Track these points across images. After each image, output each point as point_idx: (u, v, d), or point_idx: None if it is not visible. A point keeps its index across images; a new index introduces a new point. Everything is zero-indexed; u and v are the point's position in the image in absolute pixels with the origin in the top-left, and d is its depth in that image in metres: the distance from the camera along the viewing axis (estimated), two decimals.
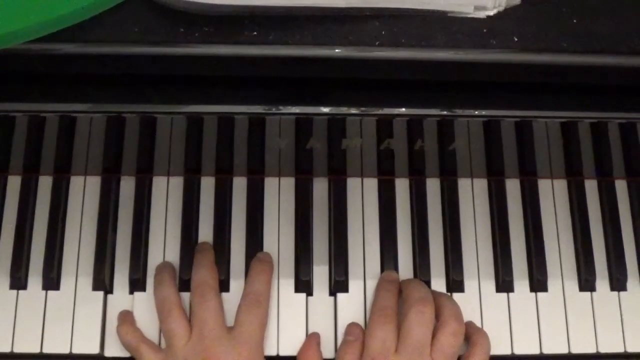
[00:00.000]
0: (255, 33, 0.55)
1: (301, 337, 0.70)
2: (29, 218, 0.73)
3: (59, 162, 0.73)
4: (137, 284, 0.71)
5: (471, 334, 0.68)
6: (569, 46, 0.56)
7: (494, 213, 0.75)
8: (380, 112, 0.63)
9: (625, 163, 0.75)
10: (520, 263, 0.74)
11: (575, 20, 0.57)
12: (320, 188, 0.75)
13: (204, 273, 0.69)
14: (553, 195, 0.76)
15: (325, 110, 0.62)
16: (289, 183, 0.75)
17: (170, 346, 0.66)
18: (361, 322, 0.71)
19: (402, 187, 0.76)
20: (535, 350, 0.71)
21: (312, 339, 0.70)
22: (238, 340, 0.66)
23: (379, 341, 0.65)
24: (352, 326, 0.70)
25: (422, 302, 0.66)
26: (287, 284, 0.72)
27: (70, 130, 0.69)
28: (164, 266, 0.71)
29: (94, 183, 0.74)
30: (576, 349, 0.71)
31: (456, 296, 0.72)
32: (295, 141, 0.70)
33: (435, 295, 0.70)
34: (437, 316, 0.67)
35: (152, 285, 0.71)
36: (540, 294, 0.73)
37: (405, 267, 0.73)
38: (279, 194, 0.75)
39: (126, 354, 0.70)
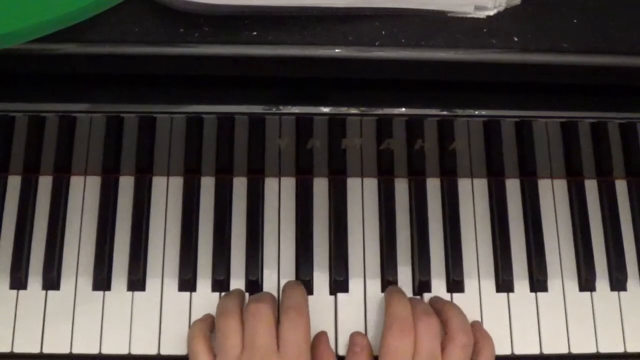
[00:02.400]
0: (255, 33, 0.55)
1: None
2: (29, 218, 0.73)
3: (59, 162, 0.73)
4: (136, 284, 0.71)
5: (477, 341, 0.68)
6: (569, 46, 0.56)
7: (494, 213, 0.75)
8: (380, 112, 0.63)
9: (625, 163, 0.75)
10: (520, 263, 0.74)
11: (575, 20, 0.57)
12: (320, 188, 0.75)
13: (264, 294, 0.69)
14: (553, 195, 0.76)
15: (325, 110, 0.62)
16: (289, 183, 0.75)
17: (224, 355, 0.64)
18: (361, 322, 0.71)
19: (402, 187, 0.76)
20: (535, 350, 0.71)
21: (323, 335, 0.69)
22: (286, 356, 0.64)
23: (397, 356, 0.64)
24: (356, 336, 0.69)
25: (428, 315, 0.66)
26: None
27: (70, 130, 0.69)
28: (239, 291, 0.71)
29: (94, 183, 0.74)
30: (576, 349, 0.71)
31: (456, 296, 0.72)
32: (295, 141, 0.70)
33: (441, 305, 0.70)
34: (445, 329, 0.67)
35: (152, 286, 0.71)
36: (540, 294, 0.73)
37: (405, 267, 0.73)
38: (279, 194, 0.75)
39: (124, 352, 0.70)
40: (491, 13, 0.56)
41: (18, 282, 0.71)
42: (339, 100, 0.62)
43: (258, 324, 0.64)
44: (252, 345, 0.63)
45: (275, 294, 0.72)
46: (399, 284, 0.72)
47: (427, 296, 0.72)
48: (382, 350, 0.65)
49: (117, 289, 0.72)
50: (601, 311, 0.72)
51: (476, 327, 0.70)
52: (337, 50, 0.56)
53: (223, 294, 0.71)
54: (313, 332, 0.70)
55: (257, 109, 0.62)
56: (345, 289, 0.72)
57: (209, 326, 0.68)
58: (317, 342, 0.69)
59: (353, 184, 0.75)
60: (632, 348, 0.71)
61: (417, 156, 0.73)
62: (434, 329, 0.65)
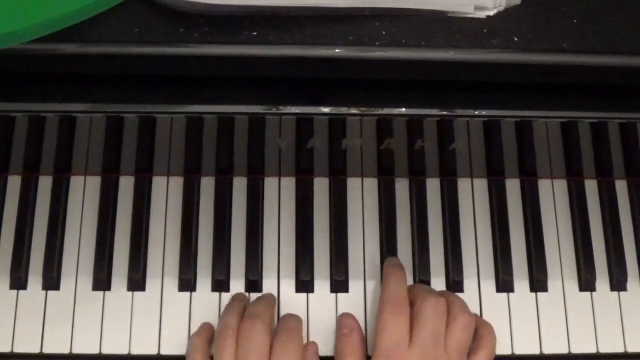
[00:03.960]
0: (255, 33, 0.55)
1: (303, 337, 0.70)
2: (29, 218, 0.73)
3: (59, 162, 0.73)
4: (136, 284, 0.71)
5: (477, 328, 0.68)
6: (569, 46, 0.56)
7: (494, 213, 0.75)
8: (380, 112, 0.63)
9: (625, 163, 0.75)
10: (520, 263, 0.74)
11: (575, 20, 0.57)
12: (320, 188, 0.75)
13: (261, 306, 0.68)
14: (553, 195, 0.76)
15: (325, 110, 0.62)
16: (289, 183, 0.75)
17: None
18: (361, 322, 0.71)
19: (402, 187, 0.76)
20: (535, 350, 0.71)
21: (311, 346, 0.69)
22: None
23: (392, 334, 0.64)
24: (344, 317, 0.69)
25: (435, 296, 0.66)
26: (287, 284, 0.72)
27: (70, 130, 0.69)
28: (241, 297, 0.71)
29: (94, 183, 0.74)
30: (576, 349, 0.71)
31: None
32: (295, 141, 0.70)
33: (440, 292, 0.70)
34: (447, 311, 0.67)
35: (152, 286, 0.71)
36: (540, 294, 0.73)
37: (405, 267, 0.73)
38: (279, 194, 0.75)
39: (124, 352, 0.70)
40: (491, 13, 0.56)
41: (18, 282, 0.71)
42: (339, 100, 0.62)
43: (250, 346, 0.64)
44: None
45: (275, 294, 0.72)
46: None
47: None
48: (377, 325, 0.66)
49: (117, 289, 0.71)
50: (601, 311, 0.72)
51: (476, 316, 0.70)
52: (337, 50, 0.56)
53: (227, 300, 0.70)
54: (313, 332, 0.70)
55: (257, 109, 0.62)
56: (345, 289, 0.72)
57: (207, 339, 0.68)
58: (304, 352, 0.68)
59: (353, 184, 0.75)
60: (632, 348, 0.71)
61: (417, 156, 0.73)
62: (441, 308, 0.66)
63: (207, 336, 0.68)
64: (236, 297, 0.71)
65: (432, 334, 0.64)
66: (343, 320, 0.69)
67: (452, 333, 0.65)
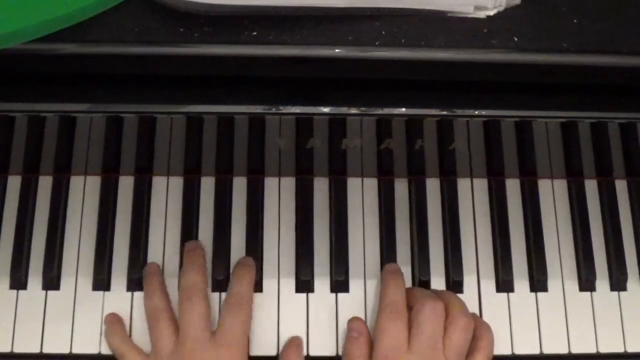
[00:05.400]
0: (255, 33, 0.55)
1: (302, 337, 0.70)
2: (29, 218, 0.73)
3: (59, 162, 0.73)
4: (136, 284, 0.71)
5: (475, 327, 0.68)
6: (569, 46, 0.56)
7: (494, 213, 0.75)
8: (380, 112, 0.63)
9: (625, 163, 0.75)
10: (520, 263, 0.74)
11: (575, 20, 0.57)
12: (320, 188, 0.75)
13: (193, 275, 0.69)
14: (553, 195, 0.76)
15: (325, 110, 0.62)
16: (289, 183, 0.75)
17: (156, 353, 0.67)
18: None
19: (402, 187, 0.76)
20: (535, 350, 0.71)
21: (295, 339, 0.70)
22: (220, 343, 0.66)
23: (391, 338, 0.65)
24: (354, 321, 0.70)
25: (434, 299, 0.67)
26: (287, 284, 0.72)
27: (70, 130, 0.69)
28: (153, 273, 0.71)
29: (94, 183, 0.74)
30: (576, 349, 0.71)
31: None
32: (295, 141, 0.70)
33: (440, 293, 0.70)
34: (446, 314, 0.67)
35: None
36: (540, 294, 0.73)
37: (405, 267, 0.73)
38: (279, 194, 0.75)
39: None
40: (491, 13, 0.56)
41: (18, 282, 0.71)
42: (339, 100, 0.62)
43: (192, 317, 0.66)
44: (185, 337, 0.66)
45: (275, 295, 0.72)
46: None
47: None
48: (376, 330, 0.67)
49: (117, 289, 0.71)
50: (601, 311, 0.72)
51: (474, 316, 0.70)
52: (337, 50, 0.56)
53: (145, 286, 0.71)
54: (313, 332, 0.70)
55: (257, 109, 0.62)
56: (345, 288, 0.72)
57: (122, 328, 0.69)
58: (288, 344, 0.69)
59: (353, 184, 0.75)
60: (632, 348, 0.71)
61: (417, 156, 0.73)
62: (439, 313, 0.66)
63: (124, 331, 0.70)
64: (151, 273, 0.71)
65: (430, 337, 0.65)
66: (352, 324, 0.69)
67: (450, 336, 0.66)
